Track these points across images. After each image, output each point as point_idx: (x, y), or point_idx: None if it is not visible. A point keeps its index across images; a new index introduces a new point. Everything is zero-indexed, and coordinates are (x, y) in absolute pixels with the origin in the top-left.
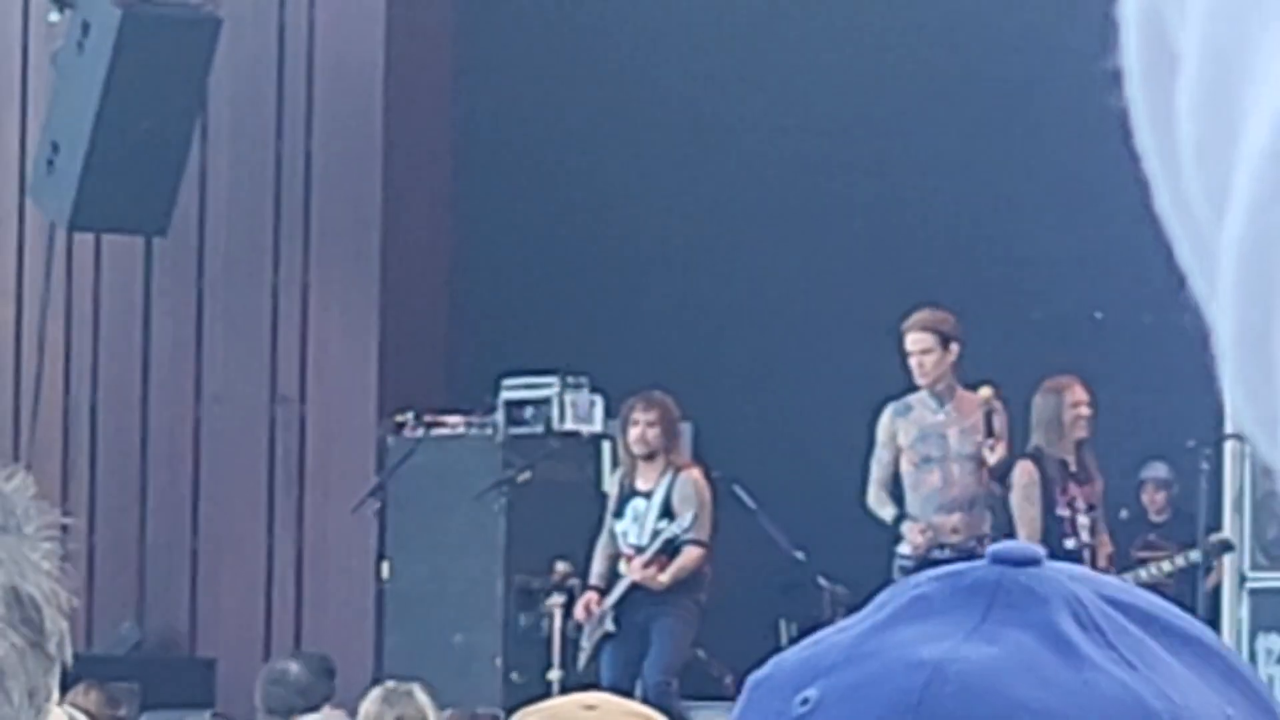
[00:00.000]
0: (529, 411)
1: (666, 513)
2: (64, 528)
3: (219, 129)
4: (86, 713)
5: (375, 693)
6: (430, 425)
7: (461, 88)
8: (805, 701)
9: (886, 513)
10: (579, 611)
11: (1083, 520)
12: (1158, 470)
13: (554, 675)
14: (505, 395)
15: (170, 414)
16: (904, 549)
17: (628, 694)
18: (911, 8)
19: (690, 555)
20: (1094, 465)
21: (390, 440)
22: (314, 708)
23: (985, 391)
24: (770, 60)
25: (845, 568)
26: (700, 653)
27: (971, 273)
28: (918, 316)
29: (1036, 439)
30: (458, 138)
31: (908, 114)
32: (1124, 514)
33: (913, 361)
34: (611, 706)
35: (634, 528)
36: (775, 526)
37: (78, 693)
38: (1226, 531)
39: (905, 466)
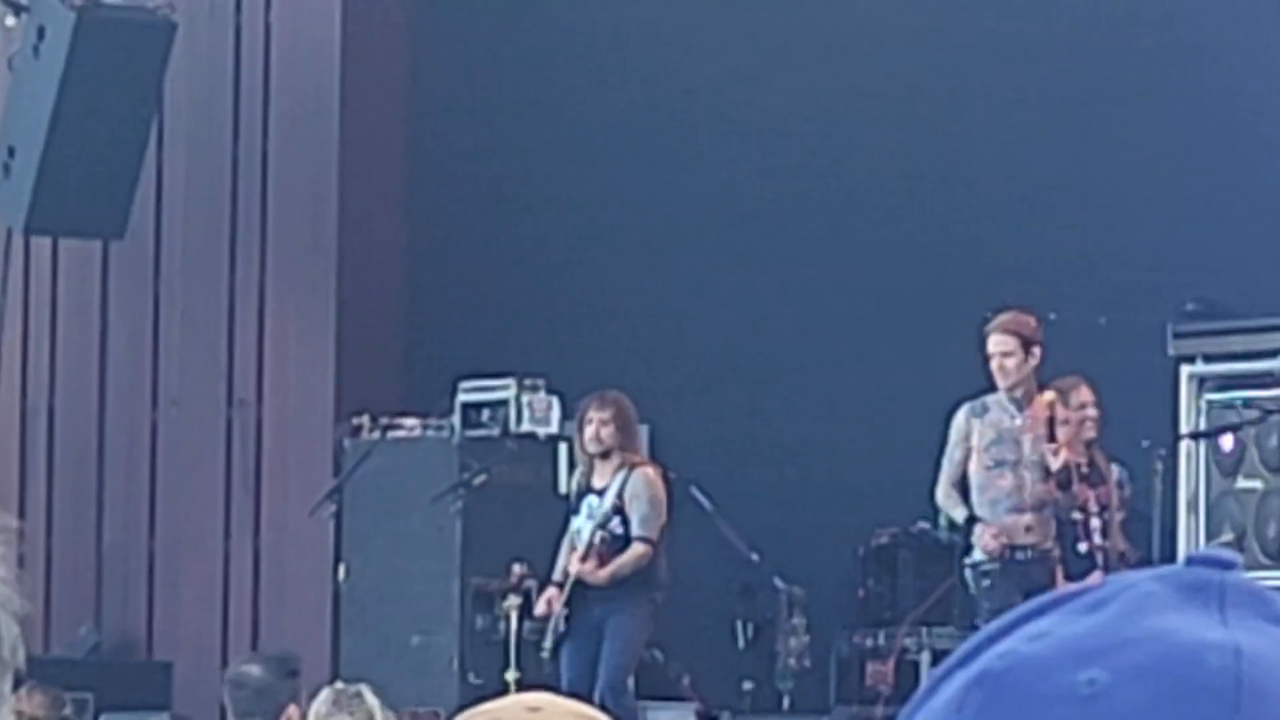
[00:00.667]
0: (486, 414)
1: (617, 510)
2: (19, 532)
3: (175, 133)
4: (31, 716)
5: (324, 694)
6: (387, 428)
7: (418, 91)
8: (1092, 683)
9: (958, 513)
10: (540, 606)
11: (1094, 523)
12: (1113, 472)
13: (511, 676)
14: (462, 398)
15: (127, 417)
16: (977, 556)
17: (588, 693)
18: (874, 14)
19: (634, 552)
20: (1105, 465)
21: (347, 443)
22: (278, 710)
23: (1048, 396)
24: (726, 58)
25: (801, 569)
26: (657, 653)
27: (921, 275)
28: (1002, 319)
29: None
30: (414, 140)
31: (858, 115)
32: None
33: (994, 364)
34: (556, 708)
35: (588, 525)
36: (731, 528)
37: (20, 696)
38: (1181, 531)
39: (975, 468)
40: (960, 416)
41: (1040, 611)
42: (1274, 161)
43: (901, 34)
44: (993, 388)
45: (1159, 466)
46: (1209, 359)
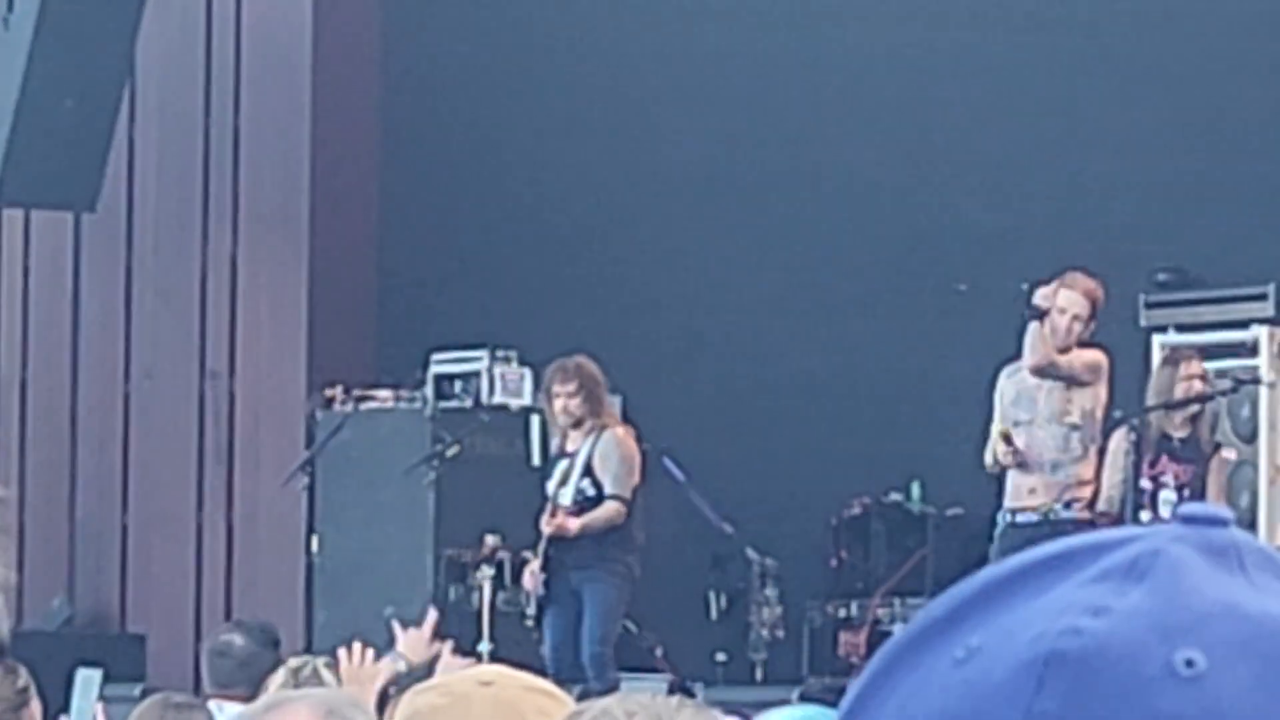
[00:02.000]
0: (458, 385)
1: (588, 472)
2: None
3: (147, 104)
4: None
5: (280, 675)
6: (360, 399)
7: (389, 62)
8: (1190, 663)
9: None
10: (526, 579)
11: (1168, 495)
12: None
13: (484, 648)
14: (434, 369)
15: (100, 389)
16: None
17: (573, 661)
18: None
19: (606, 508)
20: (1208, 442)
21: (319, 415)
22: (260, 678)
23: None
24: (700, 30)
25: (774, 540)
26: (630, 624)
27: (895, 248)
28: (1081, 280)
29: (1149, 406)
30: (386, 111)
31: (832, 87)
32: None
33: (1060, 320)
34: (508, 680)
35: (562, 489)
36: (704, 499)
37: None
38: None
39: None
40: (1000, 379)
41: (1037, 573)
42: (1246, 132)
43: (877, 5)
44: (1018, 355)
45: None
46: (1181, 329)
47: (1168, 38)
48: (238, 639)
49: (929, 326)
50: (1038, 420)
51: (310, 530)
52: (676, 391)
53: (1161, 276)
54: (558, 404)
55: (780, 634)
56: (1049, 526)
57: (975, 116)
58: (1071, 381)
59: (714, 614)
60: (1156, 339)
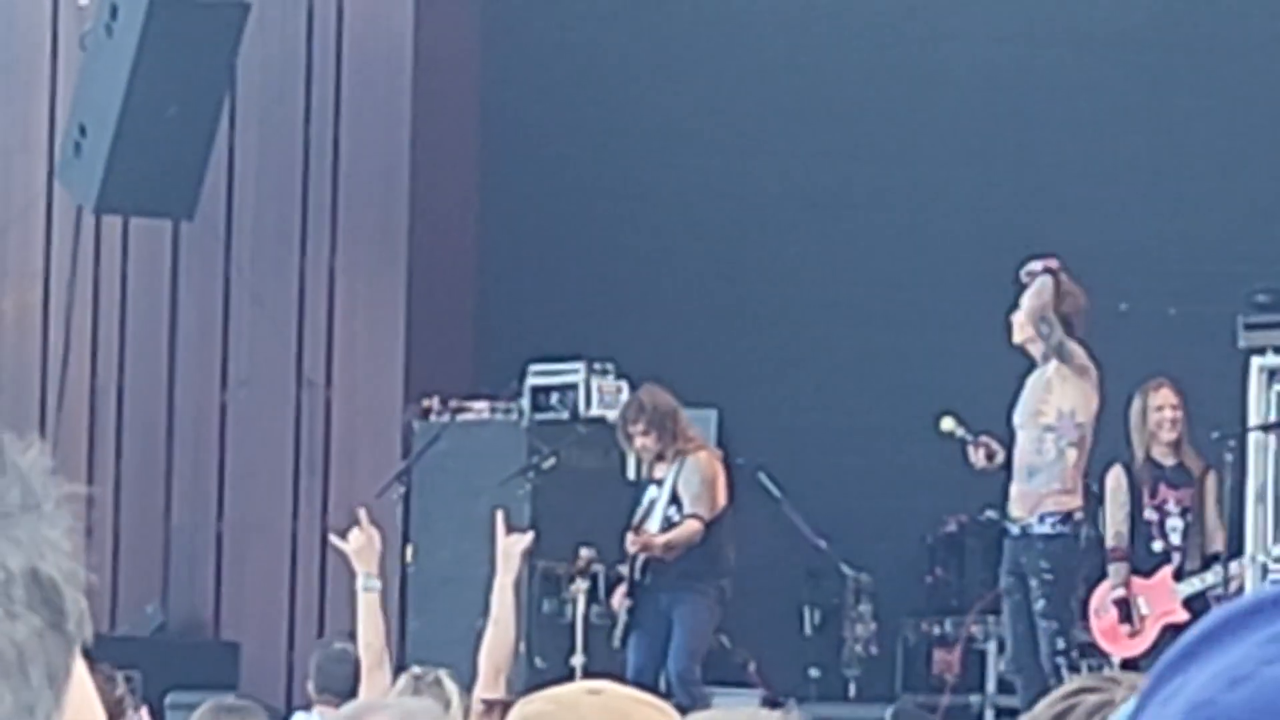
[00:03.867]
0: (555, 397)
1: (674, 499)
2: (89, 499)
3: (247, 113)
4: None
5: (402, 680)
6: (456, 411)
7: (490, 73)
8: None
9: None
10: (615, 602)
11: (1174, 523)
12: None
13: (577, 661)
14: (531, 381)
15: (196, 398)
16: None
17: (654, 680)
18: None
19: (686, 526)
20: (1198, 466)
21: (416, 425)
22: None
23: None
24: (796, 43)
25: (868, 556)
26: (724, 639)
27: (993, 264)
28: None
29: (1132, 442)
30: (486, 122)
31: (929, 103)
32: None
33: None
34: (616, 691)
35: (650, 517)
36: (799, 515)
37: None
38: (1248, 523)
39: None
40: None
41: (1237, 628)
42: None
43: (974, 21)
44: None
45: (1229, 458)
46: None
47: (1266, 54)
48: (352, 648)
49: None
50: (1024, 423)
51: (405, 540)
52: (772, 406)
53: (1260, 297)
54: (636, 443)
55: (874, 650)
56: (1025, 540)
57: (1071, 134)
58: (1059, 355)
59: (808, 630)
60: (1255, 361)
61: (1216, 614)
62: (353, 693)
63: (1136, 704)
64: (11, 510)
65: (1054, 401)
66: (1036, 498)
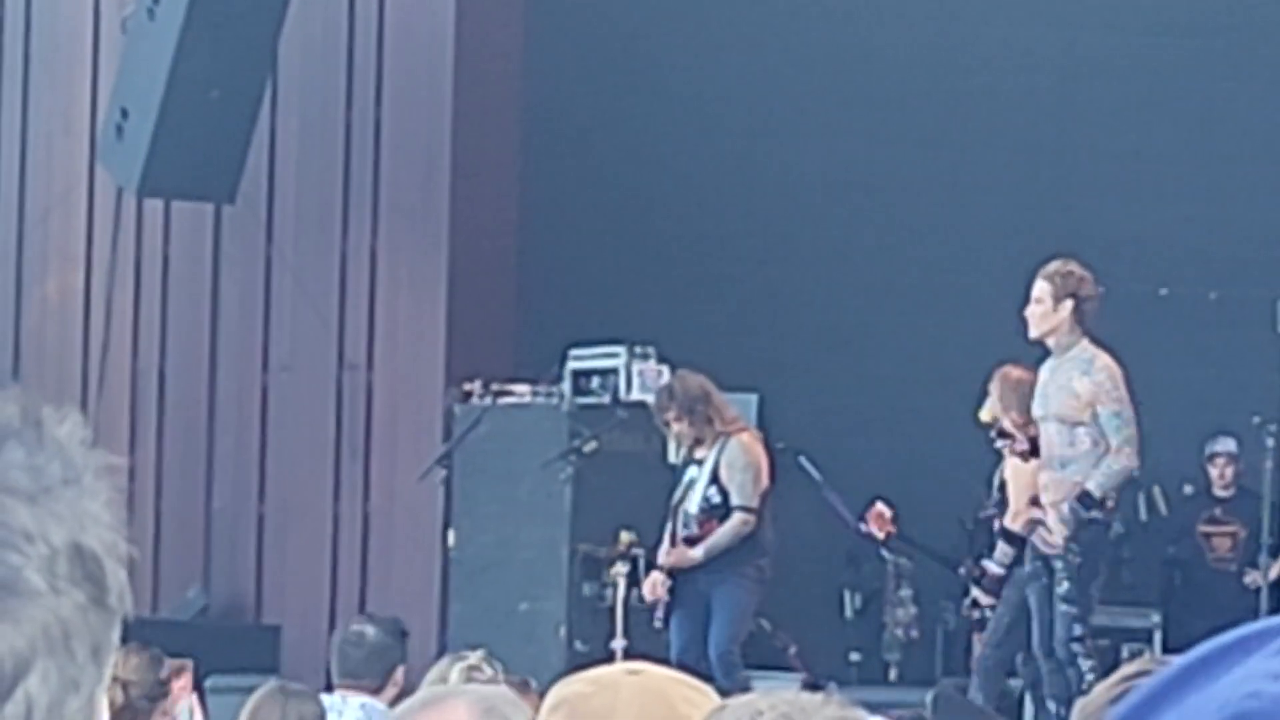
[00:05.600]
0: (596, 381)
1: (714, 479)
2: (130, 471)
3: (289, 96)
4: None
5: (453, 673)
6: (497, 394)
7: (531, 56)
8: None
9: None
10: (647, 591)
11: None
12: (1227, 444)
13: (618, 644)
14: (572, 365)
15: (237, 381)
16: None
17: (696, 663)
18: None
19: (733, 521)
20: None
21: (457, 409)
22: (389, 671)
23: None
24: (838, 28)
25: (908, 540)
26: (764, 623)
27: (1033, 249)
28: (1046, 267)
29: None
30: (527, 106)
31: (969, 88)
32: (1188, 489)
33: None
34: (654, 672)
35: (690, 495)
36: (839, 498)
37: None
38: None
39: None
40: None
41: (1227, 654)
42: None
43: (1017, 7)
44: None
45: (1270, 443)
46: None
47: None
48: (370, 630)
49: None
50: (1047, 415)
51: (446, 524)
52: (813, 389)
53: None
54: (673, 430)
55: (915, 635)
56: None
57: (1114, 119)
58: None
59: (848, 614)
60: None
61: (1230, 634)
62: (372, 674)
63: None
64: (53, 485)
65: (1084, 399)
66: (1070, 484)
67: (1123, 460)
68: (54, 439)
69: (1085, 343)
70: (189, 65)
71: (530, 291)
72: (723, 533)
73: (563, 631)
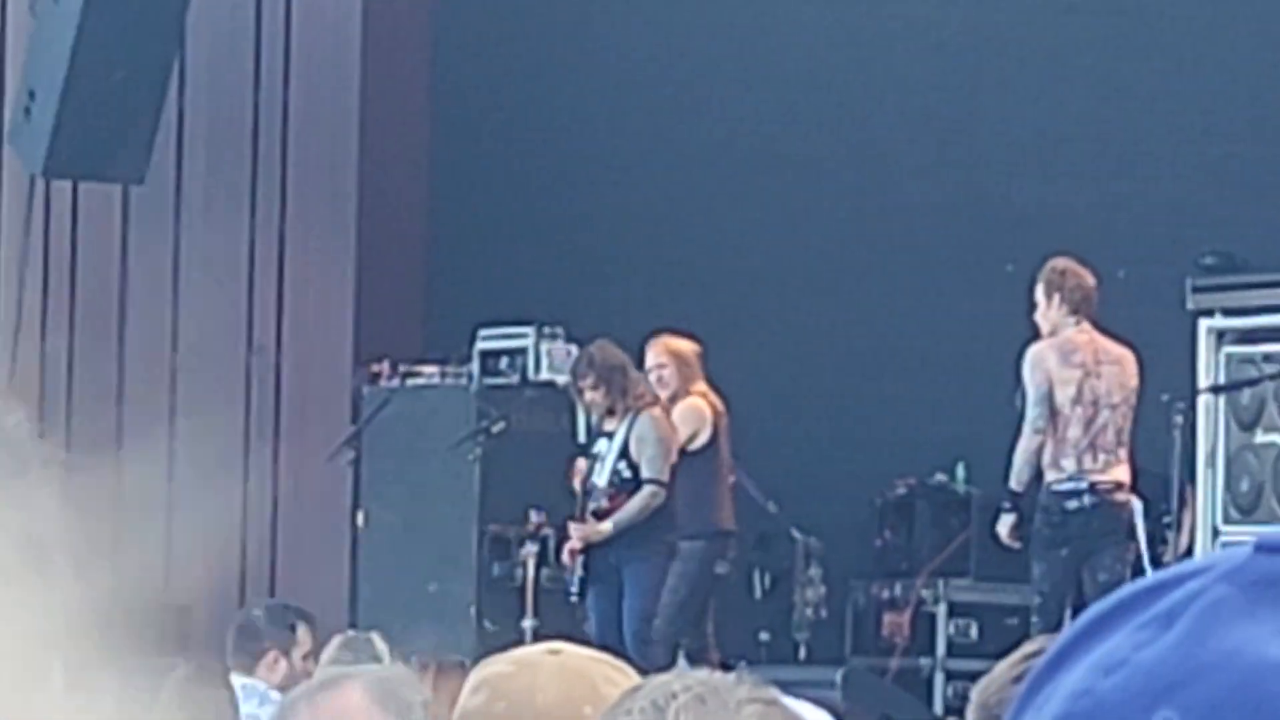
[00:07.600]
0: (504, 361)
1: (624, 454)
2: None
3: (196, 77)
4: None
5: (335, 641)
6: (406, 375)
7: (440, 36)
8: None
9: None
10: (565, 557)
11: None
12: None
13: (528, 624)
14: (481, 345)
15: (146, 362)
16: None
17: (617, 640)
18: None
19: (643, 494)
20: None
21: (365, 390)
22: (258, 653)
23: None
24: (749, 6)
25: (818, 519)
26: None
27: (943, 226)
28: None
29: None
30: (435, 86)
31: (877, 61)
32: None
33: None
34: (574, 652)
35: (598, 468)
36: (749, 478)
37: None
38: (1199, 486)
39: None
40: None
41: (1112, 620)
42: None
43: None
44: (1037, 336)
45: (1178, 420)
46: (1228, 313)
47: (1218, 17)
48: (255, 613)
49: (976, 307)
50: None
51: (355, 505)
52: (721, 370)
53: (1208, 260)
54: (585, 397)
55: (824, 614)
56: (1092, 496)
57: (1023, 95)
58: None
59: (758, 593)
60: (1203, 323)
61: (1089, 613)
62: (240, 654)
63: (1014, 710)
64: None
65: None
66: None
67: (1022, 443)
68: (2, 430)
69: (1068, 333)
70: (93, 46)
71: (439, 272)
72: (632, 505)
73: (472, 612)
